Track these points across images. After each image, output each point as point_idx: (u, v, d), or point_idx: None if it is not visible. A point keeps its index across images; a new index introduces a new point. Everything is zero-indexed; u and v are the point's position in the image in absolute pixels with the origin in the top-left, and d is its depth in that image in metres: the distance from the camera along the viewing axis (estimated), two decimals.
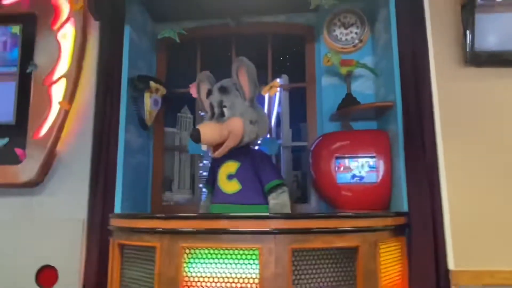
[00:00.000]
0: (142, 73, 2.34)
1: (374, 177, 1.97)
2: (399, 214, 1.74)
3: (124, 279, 1.69)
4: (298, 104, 2.63)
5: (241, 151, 1.88)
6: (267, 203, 1.84)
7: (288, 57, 2.76)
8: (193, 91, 2.13)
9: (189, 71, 2.59)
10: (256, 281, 1.40)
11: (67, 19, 2.22)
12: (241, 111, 1.82)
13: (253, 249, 1.42)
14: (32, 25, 2.25)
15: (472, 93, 1.80)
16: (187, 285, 1.46)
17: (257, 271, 1.40)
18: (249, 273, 1.42)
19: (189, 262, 1.48)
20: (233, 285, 1.42)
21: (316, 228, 1.47)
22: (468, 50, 1.78)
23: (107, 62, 2.17)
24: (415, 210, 1.73)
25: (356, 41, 2.29)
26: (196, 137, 1.75)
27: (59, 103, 2.13)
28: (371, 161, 1.99)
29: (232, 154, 1.86)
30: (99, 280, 1.89)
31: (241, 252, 1.44)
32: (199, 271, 1.47)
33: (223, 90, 1.86)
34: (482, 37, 1.76)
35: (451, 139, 1.76)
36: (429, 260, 1.66)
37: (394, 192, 1.93)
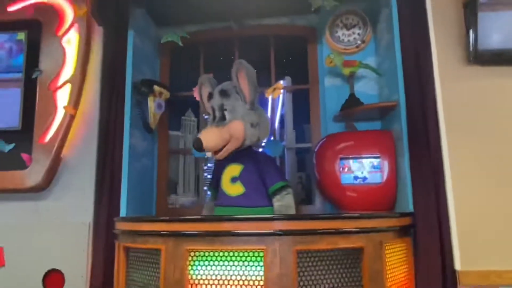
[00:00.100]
0: (146, 77, 2.36)
1: (378, 178, 1.96)
2: (404, 214, 1.73)
3: (130, 282, 1.70)
4: (302, 105, 2.63)
5: (244, 154, 1.88)
6: (271, 205, 1.84)
7: (291, 59, 2.77)
8: (196, 94, 2.14)
9: (193, 74, 2.60)
10: (261, 283, 1.40)
11: (71, 25, 2.24)
12: (242, 114, 1.82)
13: (258, 250, 1.42)
14: (37, 32, 2.27)
15: (476, 92, 1.78)
16: None
17: (261, 272, 1.40)
18: (253, 275, 1.42)
19: (194, 264, 1.48)
20: (238, 287, 1.42)
21: (321, 229, 1.46)
22: (471, 49, 1.77)
23: (111, 67, 2.19)
24: (420, 210, 1.72)
25: (359, 42, 2.29)
26: (198, 146, 1.75)
27: (64, 108, 2.15)
28: (376, 162, 1.98)
29: (235, 157, 1.87)
30: (105, 283, 1.89)
31: (245, 254, 1.44)
32: (204, 274, 1.47)
33: (224, 93, 1.87)
34: (485, 35, 1.75)
35: (455, 138, 1.75)
36: (436, 261, 1.65)
37: (399, 192, 1.92)
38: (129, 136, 2.12)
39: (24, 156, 2.15)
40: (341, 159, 2.02)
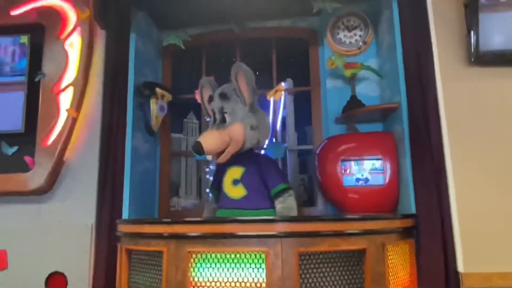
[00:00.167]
0: (148, 79, 2.37)
1: (381, 179, 1.96)
2: (406, 216, 1.73)
3: (132, 285, 1.70)
4: (303, 107, 2.63)
5: (245, 156, 1.88)
6: (273, 208, 1.84)
7: (292, 61, 2.77)
8: (198, 96, 2.14)
9: (195, 76, 2.61)
10: (263, 285, 1.39)
11: (74, 29, 2.25)
12: (242, 117, 1.82)
13: (260, 252, 1.42)
14: (40, 35, 2.28)
15: (478, 93, 1.78)
16: None
17: (264, 275, 1.40)
18: (256, 277, 1.42)
19: (196, 266, 1.48)
20: None
21: (323, 231, 1.46)
22: (472, 50, 1.77)
23: (114, 70, 2.20)
24: (423, 212, 1.71)
25: (360, 43, 2.29)
26: (198, 149, 1.75)
27: (67, 110, 2.15)
28: (378, 163, 1.98)
29: (236, 159, 1.87)
30: (108, 286, 1.89)
31: (247, 256, 1.44)
32: (206, 276, 1.47)
33: (223, 96, 1.87)
34: (487, 36, 1.75)
35: (457, 139, 1.75)
36: (438, 263, 1.64)
37: (401, 194, 1.92)
38: (131, 139, 2.13)
39: (27, 159, 2.15)
40: (343, 161, 2.02)
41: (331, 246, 1.45)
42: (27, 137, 2.18)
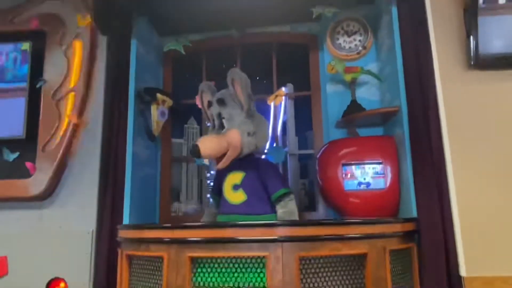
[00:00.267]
0: (149, 85, 2.38)
1: (381, 183, 1.96)
2: (408, 220, 1.72)
3: None
4: (304, 112, 2.63)
5: (245, 161, 1.88)
6: (273, 212, 1.83)
7: (293, 66, 2.78)
8: (198, 101, 2.15)
9: (195, 82, 2.62)
10: None
11: (75, 35, 2.27)
12: (239, 123, 1.82)
13: (260, 257, 1.41)
14: (41, 41, 2.31)
15: (478, 96, 1.78)
16: None
17: (264, 279, 1.39)
18: (256, 281, 1.41)
19: (197, 271, 1.47)
20: None
21: (324, 235, 1.46)
22: (472, 54, 1.78)
23: (115, 75, 2.22)
24: (424, 216, 1.71)
25: (360, 48, 2.30)
26: (195, 152, 1.75)
27: (68, 116, 2.16)
28: (378, 167, 1.98)
29: (236, 165, 1.86)
30: None
31: (248, 260, 1.43)
32: (206, 281, 1.46)
33: (221, 102, 1.87)
34: (486, 40, 1.75)
35: (458, 142, 1.75)
36: (440, 267, 1.64)
37: (402, 197, 1.91)
38: (132, 144, 2.14)
39: (28, 164, 2.16)
40: (344, 165, 2.01)
41: (332, 251, 1.44)
42: (28, 143, 2.20)
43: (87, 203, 2.11)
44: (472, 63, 1.79)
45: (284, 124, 2.94)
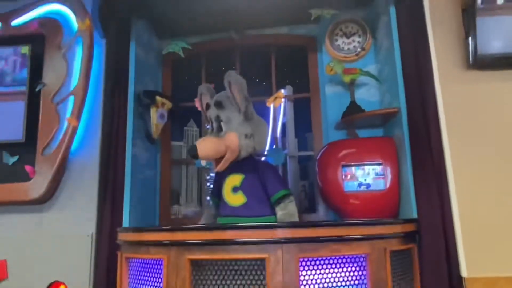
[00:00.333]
0: (149, 88, 2.38)
1: (381, 184, 1.95)
2: (408, 220, 1.72)
3: None
4: (303, 114, 2.63)
5: (244, 163, 1.87)
6: (273, 214, 1.82)
7: (292, 68, 2.79)
8: (198, 104, 2.15)
9: (194, 84, 2.62)
10: None
11: (74, 38, 2.27)
12: (237, 126, 1.82)
13: (260, 259, 1.41)
14: (40, 45, 2.31)
15: (477, 97, 1.78)
16: None
17: (264, 281, 1.39)
18: (256, 283, 1.40)
19: (196, 274, 1.47)
20: None
21: (324, 236, 1.45)
22: (471, 54, 1.78)
23: (114, 78, 2.21)
24: (424, 216, 1.70)
25: (359, 49, 2.30)
26: (193, 153, 1.75)
27: (67, 119, 2.16)
28: (378, 168, 1.97)
29: (235, 167, 1.86)
30: None
31: (248, 262, 1.43)
32: (206, 283, 1.46)
33: (219, 105, 1.87)
34: (485, 40, 1.75)
35: (457, 142, 1.75)
36: (441, 268, 1.63)
37: (402, 198, 1.91)
38: (132, 147, 2.14)
39: (28, 168, 2.16)
40: (344, 166, 2.01)
41: (332, 252, 1.44)
42: (27, 146, 2.19)
43: (86, 206, 2.10)
44: (470, 64, 1.80)
45: (284, 126, 2.93)
